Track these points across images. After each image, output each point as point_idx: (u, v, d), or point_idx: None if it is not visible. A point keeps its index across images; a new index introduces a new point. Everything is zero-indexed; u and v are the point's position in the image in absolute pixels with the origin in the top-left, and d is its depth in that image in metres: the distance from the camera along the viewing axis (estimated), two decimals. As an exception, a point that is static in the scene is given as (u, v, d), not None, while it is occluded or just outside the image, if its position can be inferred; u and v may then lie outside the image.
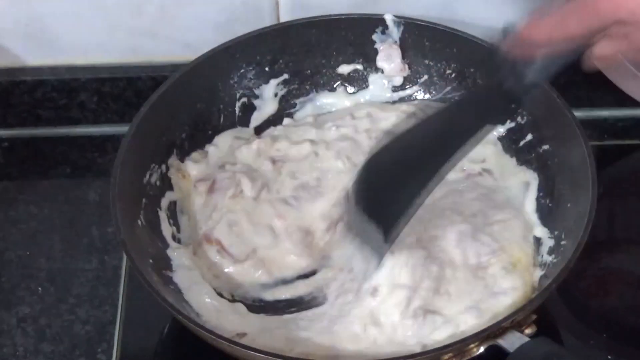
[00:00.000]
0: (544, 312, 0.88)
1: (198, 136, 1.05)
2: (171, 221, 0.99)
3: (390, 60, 1.09)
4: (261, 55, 1.07)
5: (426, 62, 1.09)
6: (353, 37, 1.08)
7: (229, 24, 1.09)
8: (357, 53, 1.09)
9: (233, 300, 0.94)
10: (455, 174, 1.00)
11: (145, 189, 0.98)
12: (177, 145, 1.03)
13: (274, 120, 1.09)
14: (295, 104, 1.10)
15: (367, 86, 1.11)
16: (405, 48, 1.08)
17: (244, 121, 1.08)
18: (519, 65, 0.81)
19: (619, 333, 0.97)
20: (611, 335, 0.96)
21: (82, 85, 1.14)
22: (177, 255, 0.96)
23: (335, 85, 1.10)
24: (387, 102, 1.10)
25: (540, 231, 0.97)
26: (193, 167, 1.03)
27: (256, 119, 1.09)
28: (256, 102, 1.09)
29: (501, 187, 1.01)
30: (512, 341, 0.83)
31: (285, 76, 1.09)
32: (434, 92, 1.09)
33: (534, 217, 0.99)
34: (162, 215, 0.99)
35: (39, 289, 1.00)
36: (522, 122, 1.04)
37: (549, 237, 0.96)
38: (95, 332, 0.97)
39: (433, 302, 0.90)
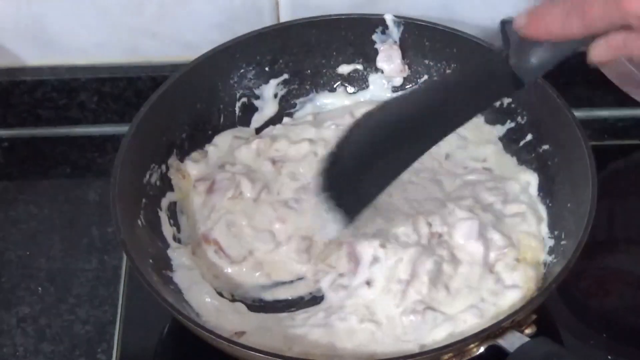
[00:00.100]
0: (544, 312, 0.88)
1: (198, 136, 1.05)
2: (171, 221, 0.99)
3: (390, 61, 1.09)
4: (261, 55, 1.07)
5: (426, 62, 1.09)
6: (353, 37, 1.08)
7: (229, 24, 1.09)
8: (357, 53, 1.09)
9: (233, 300, 0.94)
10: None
11: (145, 189, 0.98)
12: (177, 145, 1.03)
13: (274, 119, 1.09)
14: (295, 104, 1.10)
15: (367, 86, 1.11)
16: (405, 48, 1.08)
17: (244, 121, 1.08)
18: (527, 44, 0.79)
19: (619, 333, 0.97)
20: (611, 335, 0.96)
21: (82, 85, 1.14)
22: (177, 255, 0.96)
23: (335, 86, 1.10)
24: (387, 102, 1.10)
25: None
26: (193, 167, 1.03)
27: (257, 120, 1.09)
28: (256, 103, 1.09)
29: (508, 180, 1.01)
30: (512, 341, 0.83)
31: (285, 76, 1.09)
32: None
33: (534, 217, 0.99)
34: (163, 215, 0.99)
35: (39, 289, 1.00)
36: (522, 122, 1.04)
37: (549, 237, 0.96)
38: (95, 332, 0.97)
39: (432, 298, 0.90)
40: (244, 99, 1.08)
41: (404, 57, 1.09)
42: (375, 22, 1.07)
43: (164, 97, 1.00)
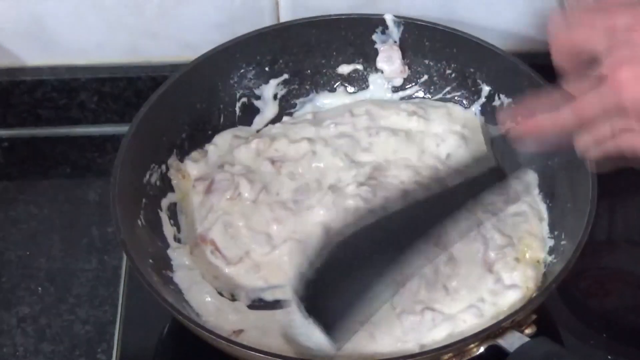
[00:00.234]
0: (544, 312, 0.88)
1: (198, 136, 1.05)
2: (172, 221, 0.99)
3: (390, 61, 1.09)
4: (261, 55, 1.07)
5: (426, 62, 1.09)
6: (353, 37, 1.08)
7: (229, 24, 1.09)
8: (357, 53, 1.09)
9: (233, 299, 0.94)
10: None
11: (145, 189, 0.98)
12: (177, 145, 1.03)
13: (274, 119, 1.09)
14: (295, 104, 1.10)
15: (367, 86, 1.11)
16: (405, 48, 1.08)
17: (244, 121, 1.08)
18: (513, 146, 0.80)
19: (619, 333, 0.97)
20: (611, 335, 0.96)
21: (82, 85, 1.14)
22: (177, 255, 0.96)
23: (335, 86, 1.10)
24: (387, 100, 1.10)
25: (541, 231, 0.98)
26: (192, 167, 1.03)
27: (258, 123, 1.08)
28: (256, 103, 1.09)
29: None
30: (512, 341, 0.83)
31: (285, 76, 1.09)
32: (434, 92, 1.09)
33: (534, 217, 0.99)
34: (163, 215, 0.99)
35: (39, 289, 1.00)
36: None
37: (548, 237, 0.96)
38: (95, 332, 0.97)
39: (431, 298, 0.90)
40: (244, 99, 1.08)
41: (404, 57, 1.09)
42: (375, 22, 1.08)
43: (164, 97, 1.00)
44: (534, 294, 0.90)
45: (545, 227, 0.97)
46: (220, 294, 0.94)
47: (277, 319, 0.92)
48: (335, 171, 1.01)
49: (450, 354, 0.83)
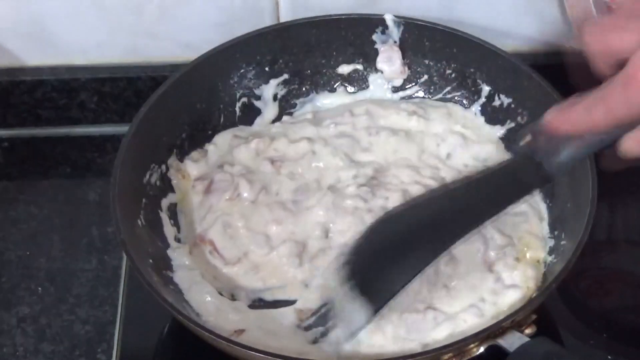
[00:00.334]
0: (544, 312, 0.88)
1: (198, 136, 1.05)
2: (172, 222, 0.99)
3: (390, 62, 1.09)
4: (261, 55, 1.07)
5: (426, 62, 1.09)
6: (353, 37, 1.08)
7: (229, 24, 1.09)
8: (357, 53, 1.09)
9: (233, 299, 0.94)
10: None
11: (145, 189, 0.98)
12: (176, 145, 1.03)
13: (274, 119, 1.09)
14: (296, 104, 1.10)
15: (367, 86, 1.11)
16: (405, 48, 1.08)
17: (244, 121, 1.08)
18: (555, 140, 0.80)
19: (619, 333, 0.97)
20: (611, 335, 0.96)
21: (82, 85, 1.14)
22: (178, 255, 0.96)
23: (335, 86, 1.10)
24: (387, 100, 1.10)
25: (541, 231, 0.98)
26: (192, 167, 1.03)
27: (258, 123, 1.08)
28: (257, 104, 1.09)
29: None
30: (512, 341, 0.83)
31: (285, 76, 1.09)
32: (434, 92, 1.09)
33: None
34: (164, 216, 0.99)
35: (39, 289, 1.00)
36: (522, 122, 1.04)
37: (548, 237, 0.96)
38: (95, 332, 0.97)
39: (433, 297, 0.90)
40: (244, 99, 1.08)
41: (404, 57, 1.09)
42: (375, 22, 1.07)
43: (164, 97, 1.00)
44: (534, 294, 0.90)
45: (545, 227, 0.97)
46: (221, 294, 0.94)
47: (277, 318, 0.92)
48: (334, 171, 1.01)
49: (450, 354, 0.83)
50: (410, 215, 0.87)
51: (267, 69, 1.08)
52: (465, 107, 1.08)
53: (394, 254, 0.85)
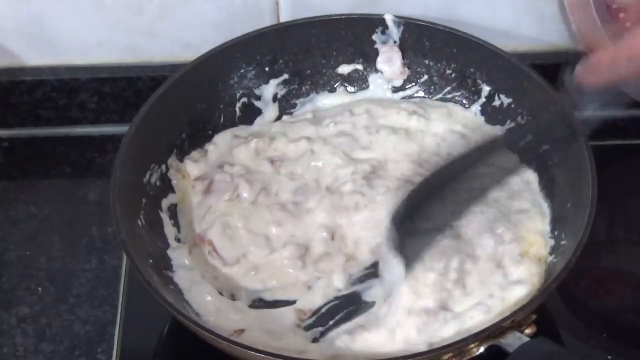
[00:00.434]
0: (544, 312, 0.88)
1: (198, 136, 1.05)
2: (172, 222, 0.99)
3: (390, 63, 1.09)
4: (261, 55, 1.07)
5: (426, 62, 1.09)
6: (353, 37, 1.08)
7: (229, 24, 1.09)
8: (357, 53, 1.09)
9: (233, 299, 0.94)
10: None
11: (145, 189, 0.98)
12: (177, 145, 1.03)
13: (274, 119, 1.09)
14: (296, 104, 1.10)
15: (367, 86, 1.11)
16: (405, 48, 1.08)
17: (244, 121, 1.08)
18: (581, 92, 0.85)
19: (619, 333, 0.97)
20: (611, 335, 0.96)
21: (82, 85, 1.14)
22: (178, 255, 0.96)
23: (335, 86, 1.10)
24: (387, 99, 1.10)
25: (541, 231, 0.98)
26: (192, 167, 1.03)
27: (259, 124, 1.08)
28: (257, 104, 1.08)
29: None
30: (512, 341, 0.83)
31: (285, 76, 1.09)
32: (434, 92, 1.09)
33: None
34: (164, 216, 0.99)
35: (39, 289, 1.00)
36: (522, 122, 1.04)
37: (549, 237, 0.96)
38: (95, 332, 0.97)
39: (450, 295, 0.90)
40: (244, 99, 1.08)
41: (404, 57, 1.09)
42: (375, 22, 1.07)
43: (164, 97, 1.00)
44: (537, 292, 0.90)
45: (547, 225, 0.97)
46: (221, 293, 0.94)
47: (277, 318, 0.92)
48: (333, 169, 1.01)
49: (450, 354, 0.83)
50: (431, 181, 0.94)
51: (267, 69, 1.08)
52: (465, 107, 1.08)
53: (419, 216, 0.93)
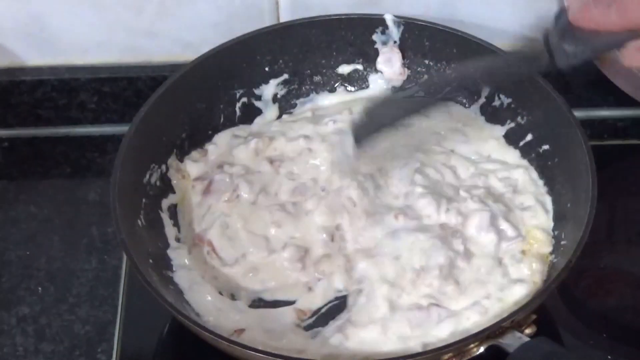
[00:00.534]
0: (544, 312, 0.88)
1: (198, 136, 1.05)
2: (172, 222, 0.99)
3: (390, 63, 1.09)
4: (261, 55, 1.07)
5: (426, 62, 1.09)
6: (353, 37, 1.08)
7: (229, 24, 1.09)
8: (357, 53, 1.09)
9: (233, 299, 0.94)
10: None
11: (145, 189, 0.98)
12: (176, 145, 1.03)
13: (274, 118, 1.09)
14: (296, 104, 1.10)
15: (367, 86, 1.11)
16: (405, 48, 1.08)
17: (244, 121, 1.08)
18: (571, 32, 0.84)
19: (619, 333, 0.97)
20: (611, 335, 0.96)
21: (82, 85, 1.14)
22: (178, 255, 0.96)
23: (335, 85, 1.10)
24: (386, 98, 1.10)
25: (541, 231, 0.98)
26: (192, 166, 1.03)
27: (259, 124, 1.08)
28: (257, 104, 1.08)
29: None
30: (512, 341, 0.83)
31: (285, 76, 1.09)
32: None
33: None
34: (164, 216, 0.99)
35: (39, 289, 1.00)
36: (522, 122, 1.04)
37: (551, 236, 0.96)
38: (95, 332, 0.97)
39: (442, 292, 0.90)
40: (244, 99, 1.08)
41: (404, 57, 1.09)
42: (375, 22, 1.07)
43: (164, 97, 1.00)
44: (537, 291, 0.90)
45: (550, 222, 0.97)
46: (220, 293, 0.94)
47: (277, 317, 0.92)
48: (330, 166, 1.01)
49: (450, 354, 0.83)
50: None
51: (267, 68, 1.08)
52: (466, 107, 1.08)
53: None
